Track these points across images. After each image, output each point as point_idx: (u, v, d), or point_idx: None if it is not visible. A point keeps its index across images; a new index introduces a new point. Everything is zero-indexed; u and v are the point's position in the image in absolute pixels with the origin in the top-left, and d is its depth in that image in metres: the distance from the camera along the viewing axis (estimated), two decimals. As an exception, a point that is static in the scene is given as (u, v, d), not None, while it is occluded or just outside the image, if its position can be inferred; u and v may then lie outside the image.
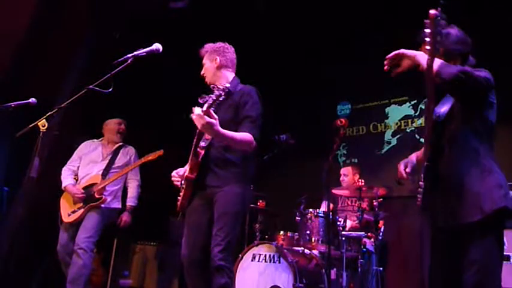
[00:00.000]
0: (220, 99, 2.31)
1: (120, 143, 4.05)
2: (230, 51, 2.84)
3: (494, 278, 1.80)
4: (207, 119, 2.25)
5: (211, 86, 2.54)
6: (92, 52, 4.67)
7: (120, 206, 3.92)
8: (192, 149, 2.54)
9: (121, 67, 2.21)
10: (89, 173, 3.86)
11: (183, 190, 2.63)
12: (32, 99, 2.70)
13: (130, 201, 3.96)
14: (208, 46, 2.81)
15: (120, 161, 3.94)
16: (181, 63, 5.41)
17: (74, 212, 3.67)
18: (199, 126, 2.32)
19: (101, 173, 3.83)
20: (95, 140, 4.09)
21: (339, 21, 5.16)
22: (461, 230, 1.84)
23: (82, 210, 3.64)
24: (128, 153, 4.02)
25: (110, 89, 2.11)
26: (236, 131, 2.49)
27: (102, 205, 3.68)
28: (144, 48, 2.29)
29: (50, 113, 2.26)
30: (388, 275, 4.15)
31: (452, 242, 1.90)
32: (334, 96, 5.86)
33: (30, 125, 2.25)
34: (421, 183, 1.94)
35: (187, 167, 2.63)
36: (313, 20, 5.18)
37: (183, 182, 2.64)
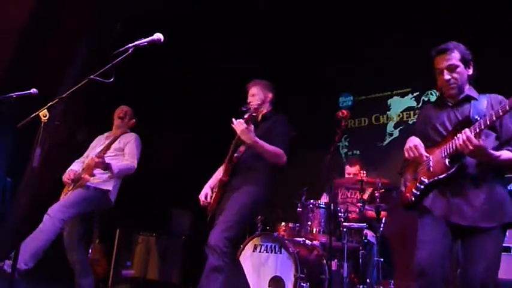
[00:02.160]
0: (256, 111, 2.85)
1: (124, 131, 3.87)
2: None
3: (497, 273, 2.03)
4: (245, 125, 2.67)
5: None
6: (93, 43, 4.66)
7: (110, 189, 3.61)
8: (228, 156, 2.94)
9: (122, 57, 2.20)
10: (91, 154, 3.73)
11: (214, 193, 2.96)
12: (33, 90, 2.69)
13: (114, 165, 3.55)
14: (261, 82, 3.23)
15: (116, 145, 3.75)
16: (183, 53, 5.41)
17: (65, 195, 3.55)
18: (238, 131, 2.70)
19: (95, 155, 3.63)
20: (107, 132, 3.99)
21: (342, 13, 5.12)
22: (475, 230, 2.03)
23: (69, 191, 3.52)
24: (127, 139, 3.81)
25: (111, 79, 2.11)
26: (268, 142, 2.84)
27: (90, 183, 3.48)
28: (145, 38, 2.27)
29: (51, 103, 2.26)
30: (390, 266, 4.16)
31: (459, 237, 2.10)
32: (336, 88, 5.85)
33: (32, 116, 2.25)
34: (424, 179, 2.12)
35: (210, 184, 3.09)
36: (316, 12, 5.16)
37: (214, 188, 3.00)
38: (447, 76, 2.18)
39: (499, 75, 3.82)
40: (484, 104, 2.11)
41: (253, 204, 2.80)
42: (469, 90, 2.23)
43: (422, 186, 2.16)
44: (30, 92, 2.66)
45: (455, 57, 2.18)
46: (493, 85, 2.23)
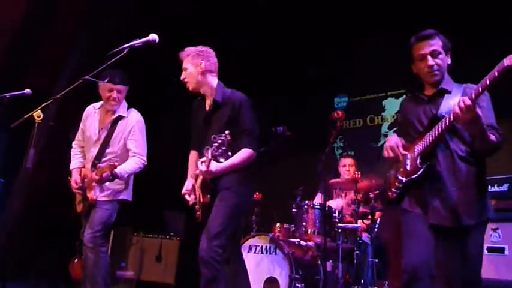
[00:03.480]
0: (220, 150, 2.33)
1: (119, 114, 3.22)
2: (213, 54, 2.76)
3: (480, 269, 2.01)
4: (210, 170, 2.42)
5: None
6: (87, 43, 4.64)
7: (128, 198, 3.28)
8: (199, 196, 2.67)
9: (117, 58, 2.19)
10: (87, 156, 3.29)
11: (200, 210, 2.71)
12: (27, 90, 2.66)
13: (119, 169, 3.03)
14: (190, 50, 2.72)
15: (115, 142, 3.19)
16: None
17: (79, 202, 3.30)
18: (207, 179, 2.53)
19: (91, 160, 3.19)
20: (97, 104, 3.33)
21: (337, 14, 5.14)
22: (455, 229, 2.01)
23: (82, 204, 3.25)
24: (125, 129, 3.20)
25: (106, 80, 2.10)
26: (232, 137, 2.42)
27: (104, 199, 3.13)
28: (140, 38, 2.27)
29: (45, 103, 2.25)
30: (384, 266, 4.18)
31: (437, 232, 2.05)
32: (331, 89, 5.86)
33: (26, 116, 2.24)
34: (401, 178, 2.10)
35: (190, 179, 2.80)
36: (311, 13, 5.17)
37: (198, 204, 2.72)
38: (431, 62, 2.12)
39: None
40: (458, 96, 2.02)
41: (239, 206, 2.63)
42: (446, 80, 2.18)
43: (400, 185, 2.13)
44: (24, 93, 2.64)
45: (437, 43, 2.13)
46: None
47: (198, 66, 2.67)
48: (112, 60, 2.21)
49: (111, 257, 4.68)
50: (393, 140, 2.18)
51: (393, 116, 5.32)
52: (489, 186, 3.31)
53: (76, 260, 4.88)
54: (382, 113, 5.42)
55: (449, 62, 2.18)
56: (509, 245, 3.08)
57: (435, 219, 2.02)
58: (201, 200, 2.66)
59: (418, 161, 2.06)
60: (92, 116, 3.32)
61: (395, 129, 5.28)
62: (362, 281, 3.73)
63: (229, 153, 2.41)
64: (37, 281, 4.83)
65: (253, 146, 2.59)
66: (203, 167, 2.40)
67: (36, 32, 4.41)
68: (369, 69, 5.34)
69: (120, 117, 3.22)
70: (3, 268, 3.46)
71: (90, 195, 3.11)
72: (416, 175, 2.05)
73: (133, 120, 3.22)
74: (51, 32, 4.48)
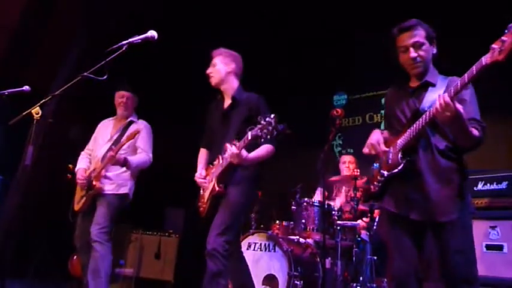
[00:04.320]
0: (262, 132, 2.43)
1: (131, 119, 3.57)
2: (241, 62, 2.98)
3: (475, 262, 1.96)
4: (242, 155, 2.53)
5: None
6: (86, 40, 4.63)
7: (127, 192, 3.43)
8: (222, 169, 2.71)
9: (115, 54, 2.19)
10: (96, 156, 3.50)
11: (208, 201, 2.78)
12: (26, 87, 2.66)
13: (129, 158, 3.32)
14: (224, 50, 2.94)
15: (126, 140, 3.41)
16: (178, 52, 5.39)
17: (81, 198, 3.43)
18: (235, 162, 2.56)
19: (101, 155, 3.42)
20: (111, 117, 3.68)
21: (337, 11, 5.13)
22: (441, 225, 1.96)
23: (85, 198, 3.40)
24: (136, 129, 3.46)
25: (105, 76, 2.09)
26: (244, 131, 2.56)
27: (108, 192, 3.33)
28: (139, 35, 2.26)
29: (43, 100, 2.24)
30: (383, 264, 4.18)
31: (421, 231, 2.03)
32: (331, 86, 5.85)
33: (24, 113, 2.23)
34: (383, 172, 2.07)
35: (202, 168, 2.92)
36: (310, 10, 5.16)
37: (208, 195, 2.79)
38: (413, 54, 2.07)
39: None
40: (442, 89, 2.00)
41: (247, 202, 2.77)
42: (431, 72, 2.13)
43: (382, 179, 2.12)
44: (23, 89, 2.64)
45: (420, 34, 2.08)
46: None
47: (227, 66, 2.88)
48: (111, 57, 2.20)
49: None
50: (374, 136, 2.20)
51: (392, 114, 5.32)
52: (488, 184, 3.32)
53: (75, 257, 4.89)
54: (382, 111, 5.41)
55: (435, 51, 2.13)
56: (508, 243, 3.07)
57: (416, 215, 2.01)
58: (215, 188, 2.72)
59: (399, 156, 2.04)
60: (106, 124, 3.65)
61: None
62: (361, 278, 3.73)
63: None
64: (36, 278, 4.83)
65: (274, 143, 2.73)
66: (234, 149, 2.50)
67: (35, 29, 4.40)
68: (368, 67, 5.33)
69: (132, 122, 3.57)
70: (2, 265, 3.46)
71: (97, 184, 3.30)
72: (396, 170, 2.04)
73: (142, 125, 3.55)
74: (50, 28, 4.47)
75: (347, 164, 4.48)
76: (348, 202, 4.21)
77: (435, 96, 1.93)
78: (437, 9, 4.69)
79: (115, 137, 3.50)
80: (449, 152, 2.03)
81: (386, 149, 2.12)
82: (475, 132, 1.92)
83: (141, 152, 3.44)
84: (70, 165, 3.72)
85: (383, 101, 5.56)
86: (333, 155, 5.42)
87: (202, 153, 3.06)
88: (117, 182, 3.39)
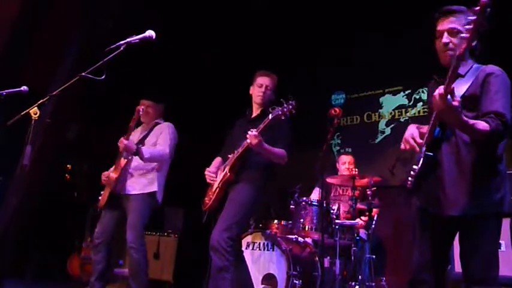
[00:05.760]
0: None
1: (156, 121, 3.67)
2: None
3: (496, 266, 1.87)
4: (260, 138, 2.70)
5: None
6: (84, 40, 4.62)
7: (156, 190, 3.43)
8: (239, 154, 2.86)
9: (113, 54, 2.19)
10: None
11: (217, 190, 2.88)
12: (24, 87, 2.66)
13: (143, 148, 3.37)
14: (273, 75, 3.18)
15: (149, 142, 3.53)
16: (177, 52, 5.39)
17: (104, 196, 3.45)
18: (253, 141, 2.69)
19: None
20: (139, 127, 3.77)
21: (335, 11, 5.13)
22: (464, 222, 1.89)
23: (103, 193, 3.45)
24: (160, 130, 3.58)
25: (103, 76, 2.09)
26: (272, 141, 2.87)
27: (136, 192, 3.35)
28: (137, 35, 2.26)
29: (41, 100, 2.24)
30: (382, 262, 4.19)
31: (447, 227, 1.96)
32: (329, 85, 5.86)
33: (22, 113, 2.23)
34: (415, 167, 1.93)
35: (215, 166, 3.08)
36: (309, 10, 5.16)
37: (218, 183, 2.91)
38: (446, 39, 1.93)
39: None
40: (469, 82, 1.88)
41: (254, 201, 2.80)
42: (463, 64, 1.90)
43: (413, 173, 1.99)
44: (21, 90, 2.63)
45: (460, 21, 1.91)
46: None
47: (272, 93, 3.12)
48: (109, 57, 2.20)
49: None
50: (410, 131, 2.02)
51: (390, 113, 5.33)
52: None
53: (74, 258, 4.89)
54: (380, 110, 5.43)
55: (474, 44, 1.82)
56: (505, 241, 3.08)
57: (435, 209, 1.94)
58: (227, 174, 2.84)
59: (423, 150, 1.92)
60: (134, 133, 3.64)
61: (392, 125, 5.30)
62: (359, 277, 3.74)
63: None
64: (35, 278, 4.84)
65: (287, 150, 2.95)
66: (254, 132, 2.67)
67: (33, 29, 4.39)
68: (366, 66, 5.35)
69: (157, 124, 3.66)
70: (1, 266, 3.46)
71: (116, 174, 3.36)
72: (419, 165, 1.91)
73: (165, 124, 3.64)
74: (48, 28, 4.46)
75: (347, 165, 4.48)
76: (347, 202, 4.22)
77: (464, 87, 1.85)
78: (431, 10, 4.70)
79: (140, 137, 3.60)
80: (476, 144, 1.88)
81: (422, 142, 1.95)
82: (482, 125, 1.77)
83: (157, 145, 3.49)
84: (68, 166, 3.70)
85: (381, 100, 5.59)
86: (331, 154, 5.42)
87: (217, 160, 3.18)
88: (143, 182, 3.41)
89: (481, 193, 1.86)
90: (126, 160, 3.42)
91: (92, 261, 3.47)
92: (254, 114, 3.11)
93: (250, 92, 3.16)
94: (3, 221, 4.08)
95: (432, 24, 2.04)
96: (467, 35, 1.61)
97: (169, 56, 5.27)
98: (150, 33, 2.30)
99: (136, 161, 3.41)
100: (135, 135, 3.65)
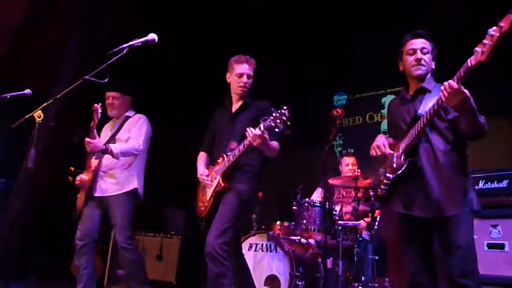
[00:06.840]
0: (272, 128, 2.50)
1: (126, 115, 3.49)
2: None
3: (475, 260, 2.04)
4: (265, 136, 2.51)
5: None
6: (87, 43, 4.64)
7: (137, 186, 3.30)
8: (230, 163, 2.72)
9: (116, 57, 2.20)
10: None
11: (211, 200, 2.78)
12: (28, 91, 2.67)
13: (111, 146, 3.21)
14: (252, 60, 2.94)
15: (121, 136, 3.36)
16: (176, 51, 5.40)
17: (80, 197, 3.38)
18: (257, 142, 2.50)
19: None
20: (109, 122, 3.62)
21: (337, 10, 5.14)
22: (442, 220, 2.07)
23: (79, 196, 3.37)
24: (132, 123, 3.42)
25: (106, 79, 2.11)
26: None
27: (113, 193, 3.23)
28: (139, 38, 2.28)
29: (45, 104, 2.26)
30: (384, 263, 4.19)
31: (429, 229, 2.15)
32: (331, 86, 5.86)
33: (26, 116, 2.25)
34: (389, 175, 2.20)
35: (204, 164, 2.96)
36: (310, 10, 5.16)
37: (212, 192, 2.80)
38: (420, 55, 2.25)
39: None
40: (437, 96, 2.07)
41: (247, 203, 2.74)
42: (427, 80, 2.29)
43: (388, 182, 2.24)
44: (25, 93, 2.65)
45: (429, 44, 2.29)
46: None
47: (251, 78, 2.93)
48: (111, 60, 2.21)
49: (111, 256, 4.72)
50: (380, 139, 2.33)
51: (393, 114, 5.33)
52: (489, 183, 3.33)
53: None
54: (382, 111, 5.42)
55: (433, 67, 2.32)
56: (509, 242, 3.08)
57: (419, 212, 2.13)
58: (220, 184, 2.74)
59: (402, 158, 2.18)
60: (105, 128, 3.54)
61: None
62: (362, 278, 3.74)
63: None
64: (38, 280, 4.85)
65: (278, 143, 2.81)
66: (257, 131, 2.48)
67: (37, 32, 4.41)
68: (368, 67, 5.34)
69: (127, 117, 3.47)
70: (5, 267, 3.47)
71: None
72: (400, 171, 2.16)
73: (136, 117, 3.46)
74: (52, 32, 4.48)
75: (350, 167, 4.47)
76: (350, 203, 4.22)
77: (431, 102, 2.10)
78: (432, 10, 4.70)
79: (112, 133, 3.43)
80: (449, 150, 2.13)
81: (392, 152, 2.25)
82: (482, 119, 2.03)
83: (129, 139, 3.31)
84: (72, 168, 3.69)
85: (383, 100, 5.58)
86: (333, 155, 5.42)
87: (202, 156, 3.06)
88: (120, 181, 3.27)
89: (458, 193, 2.08)
90: (97, 160, 3.31)
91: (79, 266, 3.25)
92: (235, 106, 2.95)
93: (228, 80, 2.96)
94: (7, 223, 4.10)
95: (402, 43, 2.36)
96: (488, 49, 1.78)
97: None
98: (153, 36, 2.32)
99: (107, 159, 3.28)
100: (106, 132, 3.51)
